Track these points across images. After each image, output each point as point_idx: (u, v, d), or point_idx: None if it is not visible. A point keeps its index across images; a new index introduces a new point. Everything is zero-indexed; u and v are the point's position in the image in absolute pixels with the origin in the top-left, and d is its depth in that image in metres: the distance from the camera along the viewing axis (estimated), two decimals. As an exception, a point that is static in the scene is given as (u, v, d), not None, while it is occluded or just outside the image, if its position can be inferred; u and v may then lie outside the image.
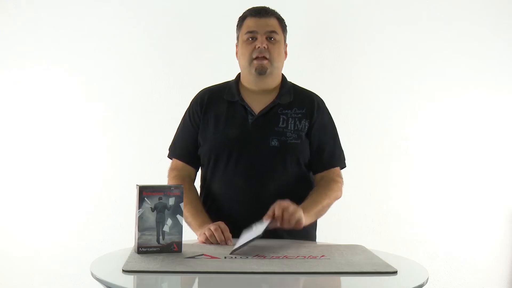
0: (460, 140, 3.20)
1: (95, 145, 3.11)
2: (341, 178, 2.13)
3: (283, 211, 1.84)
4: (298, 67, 3.04)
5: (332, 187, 2.06)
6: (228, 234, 1.86)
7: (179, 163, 2.14)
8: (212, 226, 1.87)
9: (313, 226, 2.13)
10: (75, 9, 3.10)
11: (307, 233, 2.06)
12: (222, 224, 1.90)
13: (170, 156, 2.19)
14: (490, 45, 3.20)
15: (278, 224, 1.84)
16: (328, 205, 2.05)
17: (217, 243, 1.84)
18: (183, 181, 2.08)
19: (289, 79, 2.18)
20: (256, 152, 2.02)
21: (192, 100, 2.19)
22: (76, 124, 3.11)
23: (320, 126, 2.10)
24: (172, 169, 2.15)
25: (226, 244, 1.82)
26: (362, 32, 3.19)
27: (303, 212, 1.89)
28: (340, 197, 2.11)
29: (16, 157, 3.09)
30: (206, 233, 1.86)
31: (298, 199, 1.98)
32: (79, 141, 3.10)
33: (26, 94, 3.09)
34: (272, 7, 2.14)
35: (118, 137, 3.11)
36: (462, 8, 3.20)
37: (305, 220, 1.90)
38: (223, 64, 3.05)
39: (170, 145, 2.20)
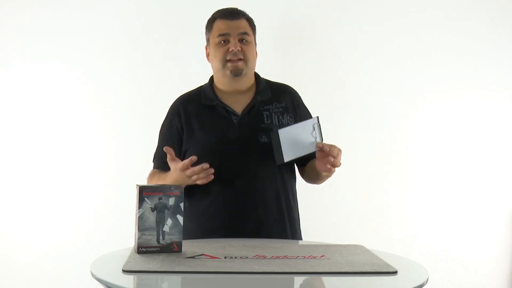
0: (460, 140, 3.20)
1: (95, 145, 3.11)
2: None
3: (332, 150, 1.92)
4: (300, 65, 3.05)
5: None
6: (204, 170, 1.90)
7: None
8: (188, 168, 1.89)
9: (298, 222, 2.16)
10: (76, 10, 3.10)
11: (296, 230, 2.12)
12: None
13: (154, 167, 2.18)
14: (489, 45, 3.20)
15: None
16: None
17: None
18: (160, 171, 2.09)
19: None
20: (247, 151, 2.03)
21: (168, 111, 2.18)
22: (75, 125, 3.10)
23: (305, 117, 2.12)
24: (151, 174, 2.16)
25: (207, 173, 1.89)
26: (362, 32, 3.18)
27: None
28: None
29: (17, 157, 3.09)
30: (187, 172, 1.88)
31: (290, 192, 2.05)
32: (79, 142, 3.10)
33: (28, 94, 3.09)
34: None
35: (118, 137, 3.11)
36: (460, 6, 3.20)
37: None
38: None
39: (153, 157, 2.18)
